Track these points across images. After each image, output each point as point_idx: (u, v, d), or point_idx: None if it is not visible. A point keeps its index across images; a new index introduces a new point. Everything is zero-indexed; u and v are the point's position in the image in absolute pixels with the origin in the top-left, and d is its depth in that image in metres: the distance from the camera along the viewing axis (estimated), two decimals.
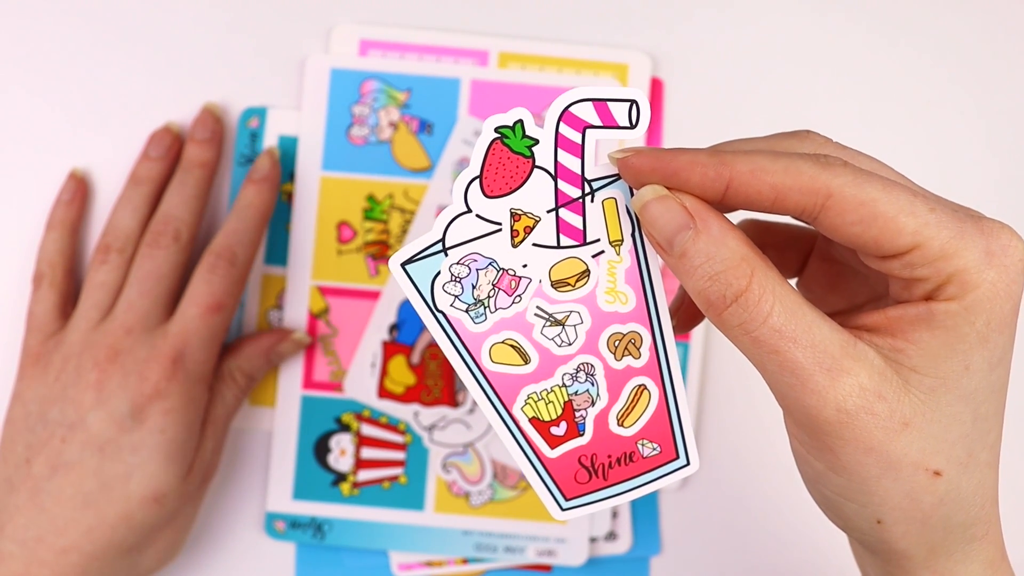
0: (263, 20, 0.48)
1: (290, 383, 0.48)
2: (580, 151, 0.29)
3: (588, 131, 0.29)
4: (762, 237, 0.34)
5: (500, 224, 0.29)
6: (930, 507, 0.27)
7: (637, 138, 0.29)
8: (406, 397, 0.47)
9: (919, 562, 0.28)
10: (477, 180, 0.29)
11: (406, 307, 0.47)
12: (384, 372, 0.47)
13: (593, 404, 0.30)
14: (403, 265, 0.29)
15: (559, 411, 0.30)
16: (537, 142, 0.29)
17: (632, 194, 0.29)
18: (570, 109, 0.29)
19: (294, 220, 0.47)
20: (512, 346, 0.30)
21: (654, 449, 0.31)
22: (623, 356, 0.30)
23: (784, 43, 0.49)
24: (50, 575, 0.40)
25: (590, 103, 0.29)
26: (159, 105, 0.47)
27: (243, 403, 0.48)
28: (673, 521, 0.49)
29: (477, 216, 0.29)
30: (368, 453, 0.48)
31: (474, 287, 0.29)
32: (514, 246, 0.29)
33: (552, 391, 0.30)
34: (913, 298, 0.27)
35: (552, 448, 0.30)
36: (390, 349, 0.47)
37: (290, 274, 0.47)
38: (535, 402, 0.30)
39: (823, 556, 0.49)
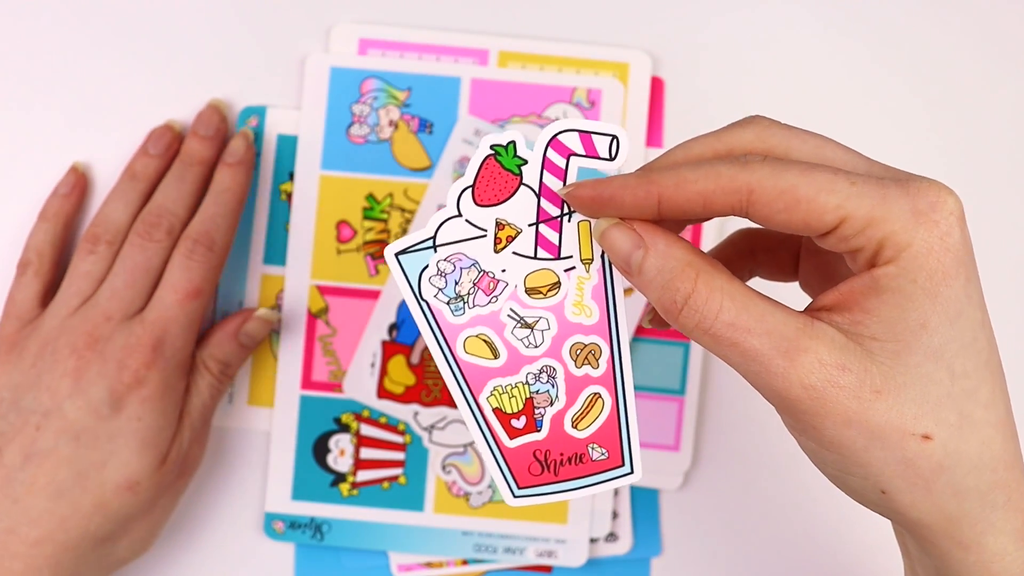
0: (263, 19, 0.47)
1: (289, 383, 0.47)
2: (563, 175, 0.32)
3: (572, 158, 0.32)
4: (752, 242, 0.36)
5: (486, 231, 0.32)
6: (930, 472, 0.27)
7: (616, 169, 0.32)
8: (406, 397, 0.47)
9: (940, 532, 0.28)
10: (470, 189, 0.32)
11: (405, 307, 0.47)
12: (383, 372, 0.47)
13: (552, 404, 0.33)
14: (397, 255, 0.32)
15: (520, 406, 0.33)
16: (526, 162, 0.32)
17: None
18: (558, 137, 0.31)
19: (293, 219, 0.47)
20: (485, 341, 0.33)
21: (603, 454, 0.33)
22: (583, 364, 0.33)
23: (784, 43, 0.48)
24: (22, 568, 0.40)
25: (576, 133, 0.31)
26: (158, 105, 0.47)
27: (233, 396, 0.47)
28: (673, 522, 0.49)
29: (466, 221, 0.32)
30: (367, 453, 0.47)
31: (457, 283, 0.32)
32: (496, 252, 0.32)
33: (516, 387, 0.33)
34: (859, 269, 0.28)
35: (511, 439, 0.33)
36: (390, 349, 0.47)
37: (289, 273, 0.47)
38: (500, 394, 0.33)
39: (824, 556, 0.49)
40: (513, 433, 0.33)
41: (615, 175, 0.30)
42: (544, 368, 0.33)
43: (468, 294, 0.32)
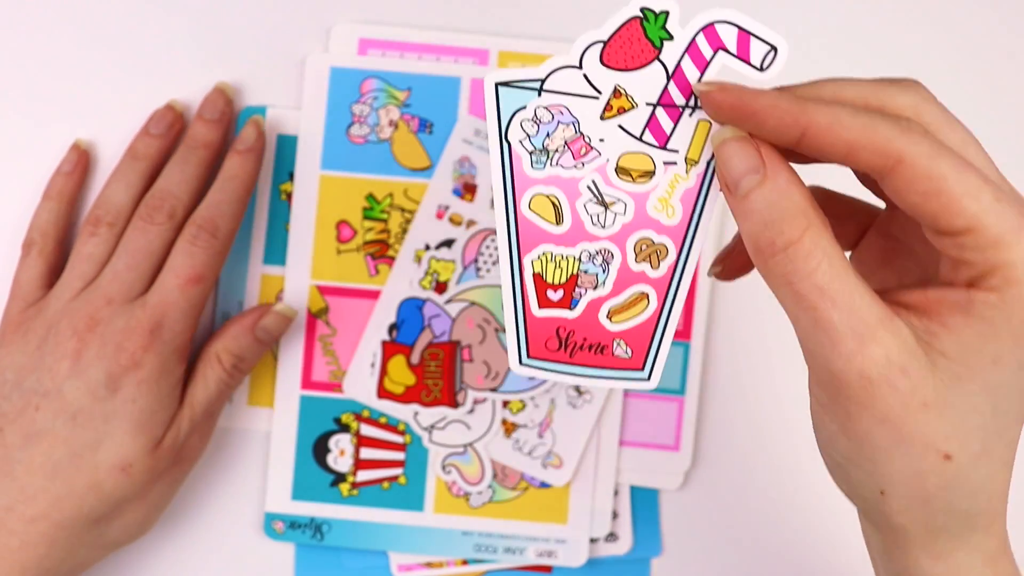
0: (262, 20, 0.47)
1: (289, 383, 0.47)
2: (705, 66, 0.29)
3: (720, 53, 0.29)
4: (824, 205, 0.34)
5: (600, 94, 0.30)
6: (934, 488, 0.28)
7: (762, 82, 0.29)
8: (406, 397, 0.47)
9: (916, 541, 0.29)
10: (600, 45, 0.29)
11: (405, 307, 0.47)
12: (384, 372, 0.47)
13: (595, 288, 0.31)
14: (498, 84, 0.30)
15: (564, 279, 0.31)
16: (671, 39, 0.29)
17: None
18: (715, 25, 0.29)
19: (293, 219, 0.47)
20: (553, 203, 0.31)
21: (627, 352, 0.32)
22: (643, 261, 0.31)
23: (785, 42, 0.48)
24: (19, 544, 0.40)
25: (735, 29, 0.29)
26: (157, 105, 0.47)
27: (233, 396, 0.47)
28: (674, 522, 0.49)
29: (584, 76, 0.30)
30: (367, 453, 0.47)
31: (548, 136, 0.30)
32: (602, 119, 0.30)
33: (567, 259, 0.31)
34: (957, 282, 0.27)
35: (540, 308, 0.31)
36: (390, 349, 0.47)
37: (289, 274, 0.47)
38: (546, 261, 0.31)
39: (824, 557, 0.49)
40: (544, 303, 0.31)
41: (764, 88, 0.28)
42: (602, 251, 0.31)
43: (556, 151, 0.30)
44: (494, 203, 0.31)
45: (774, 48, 0.29)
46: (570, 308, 0.31)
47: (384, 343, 0.47)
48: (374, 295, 0.47)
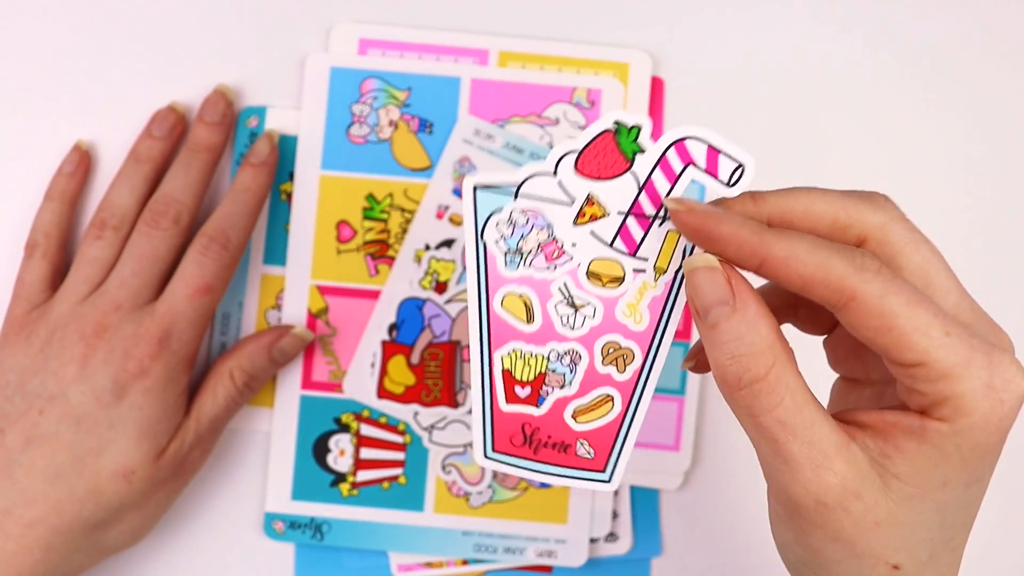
0: (263, 19, 0.47)
1: (289, 383, 0.47)
2: (674, 180, 0.30)
3: (690, 167, 0.30)
4: (799, 296, 0.34)
5: (573, 200, 0.31)
6: None
7: (730, 196, 0.31)
8: (406, 397, 0.47)
9: None
10: (574, 155, 0.31)
11: (405, 307, 0.47)
12: (384, 372, 0.47)
13: (562, 388, 0.32)
14: (476, 187, 0.31)
15: (531, 377, 0.32)
16: (643, 152, 0.30)
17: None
18: (685, 141, 0.30)
19: (293, 219, 0.47)
20: (525, 302, 0.32)
21: (589, 453, 0.33)
22: (609, 364, 0.32)
23: (784, 43, 0.48)
24: (15, 548, 0.40)
25: (705, 145, 0.30)
26: (157, 105, 0.47)
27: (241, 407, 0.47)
28: (673, 522, 0.49)
29: (559, 183, 0.31)
30: (367, 453, 0.47)
31: (523, 238, 0.31)
32: (575, 224, 0.31)
33: (535, 357, 0.32)
34: (912, 406, 0.28)
35: (507, 403, 0.32)
36: (390, 349, 0.47)
37: (289, 274, 0.47)
38: (515, 358, 0.32)
39: None
40: (512, 399, 0.32)
41: (730, 214, 0.29)
42: (570, 351, 0.32)
43: (529, 253, 0.31)
44: (468, 300, 0.32)
45: (742, 165, 0.30)
46: (536, 405, 0.32)
47: (384, 343, 0.47)
48: (374, 295, 0.47)
